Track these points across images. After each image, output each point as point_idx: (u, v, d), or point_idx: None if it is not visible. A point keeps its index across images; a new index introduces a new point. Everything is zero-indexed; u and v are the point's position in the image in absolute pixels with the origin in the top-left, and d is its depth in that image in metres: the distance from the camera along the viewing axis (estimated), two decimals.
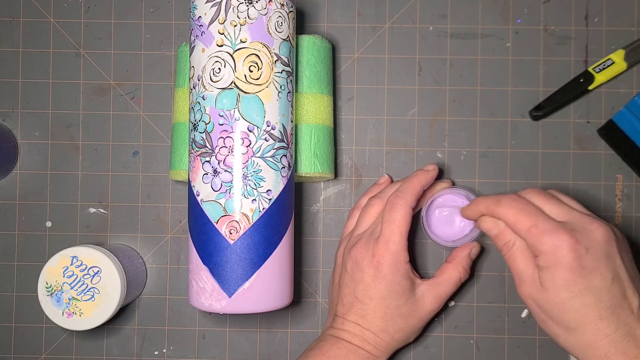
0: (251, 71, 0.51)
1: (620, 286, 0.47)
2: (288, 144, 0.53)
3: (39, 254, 0.63)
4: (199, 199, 0.51)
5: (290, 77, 0.54)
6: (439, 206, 0.59)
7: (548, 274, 0.47)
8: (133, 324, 0.63)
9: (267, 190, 0.51)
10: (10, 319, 0.63)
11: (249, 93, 0.51)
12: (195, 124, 0.52)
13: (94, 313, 0.55)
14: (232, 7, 0.51)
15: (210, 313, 0.63)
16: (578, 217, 0.48)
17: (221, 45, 0.51)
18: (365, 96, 0.63)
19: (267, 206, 0.51)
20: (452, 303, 0.62)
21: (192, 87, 0.53)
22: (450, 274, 0.57)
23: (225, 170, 0.51)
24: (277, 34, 0.52)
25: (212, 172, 0.51)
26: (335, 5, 0.63)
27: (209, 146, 0.51)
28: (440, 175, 0.61)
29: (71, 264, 0.55)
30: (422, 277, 0.57)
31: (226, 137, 0.51)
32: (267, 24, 0.51)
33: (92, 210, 0.63)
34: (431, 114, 0.63)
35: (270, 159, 0.52)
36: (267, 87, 0.51)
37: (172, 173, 0.59)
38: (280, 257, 0.52)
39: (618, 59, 0.61)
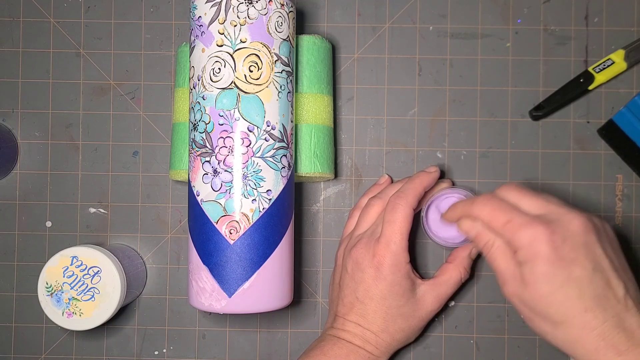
0: (251, 71, 0.51)
1: (603, 275, 0.46)
2: (288, 144, 0.53)
3: (39, 254, 0.63)
4: (199, 199, 0.51)
5: (290, 77, 0.54)
6: (439, 206, 0.59)
7: (527, 268, 0.46)
8: (133, 324, 0.63)
9: (267, 190, 0.51)
10: (10, 319, 0.63)
11: (249, 93, 0.51)
12: (195, 124, 0.52)
13: (94, 313, 0.55)
14: (232, 7, 0.51)
15: (210, 313, 0.63)
16: (554, 209, 0.47)
17: (221, 45, 0.51)
18: (365, 96, 0.63)
19: (267, 206, 0.51)
20: (452, 303, 0.62)
21: (192, 87, 0.53)
22: (451, 274, 0.57)
23: (225, 170, 0.51)
24: (277, 34, 0.52)
25: (212, 172, 0.51)
26: (335, 5, 0.63)
27: (209, 146, 0.51)
28: (441, 175, 0.61)
29: (71, 264, 0.55)
30: (422, 277, 0.57)
31: (226, 137, 0.51)
32: (267, 24, 0.51)
33: (92, 210, 0.63)
34: (431, 114, 0.63)
35: (270, 159, 0.52)
36: (267, 87, 0.51)
37: (172, 173, 0.59)
38: (280, 257, 0.52)
39: (618, 59, 0.61)
